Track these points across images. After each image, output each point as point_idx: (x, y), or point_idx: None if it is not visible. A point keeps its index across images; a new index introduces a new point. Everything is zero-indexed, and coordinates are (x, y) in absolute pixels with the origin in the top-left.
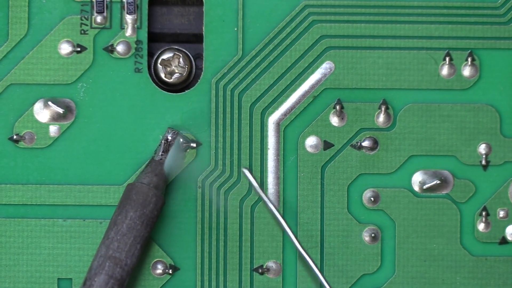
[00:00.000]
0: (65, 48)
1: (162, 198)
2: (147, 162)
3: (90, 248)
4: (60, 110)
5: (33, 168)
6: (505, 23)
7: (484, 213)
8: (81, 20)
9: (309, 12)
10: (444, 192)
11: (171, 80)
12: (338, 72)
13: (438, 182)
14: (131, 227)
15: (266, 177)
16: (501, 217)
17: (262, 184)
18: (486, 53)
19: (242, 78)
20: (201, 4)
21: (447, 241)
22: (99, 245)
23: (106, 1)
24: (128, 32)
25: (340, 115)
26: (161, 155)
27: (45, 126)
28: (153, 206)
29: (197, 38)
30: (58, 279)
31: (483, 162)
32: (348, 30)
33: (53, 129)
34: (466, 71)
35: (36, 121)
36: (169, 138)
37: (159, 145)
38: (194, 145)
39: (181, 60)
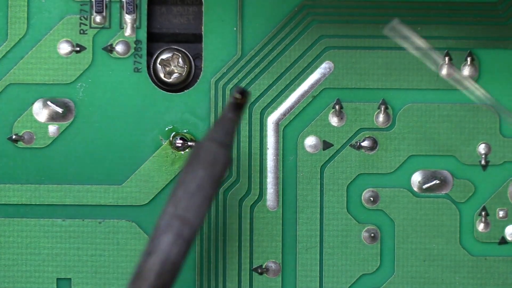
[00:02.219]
0: (64, 48)
1: (231, 158)
2: (218, 118)
3: (89, 248)
4: (59, 110)
5: (32, 168)
6: (504, 23)
7: (483, 213)
8: (80, 20)
9: (308, 12)
10: (443, 192)
11: (170, 80)
12: (337, 72)
13: (438, 182)
14: (200, 187)
15: (265, 177)
16: (501, 217)
17: (262, 183)
18: (485, 53)
19: (241, 78)
20: (201, 3)
21: (447, 241)
22: (166, 204)
23: (105, 1)
24: (127, 32)
25: (340, 115)
26: (233, 113)
27: (44, 126)
28: (221, 167)
29: (196, 38)
30: (57, 279)
31: (483, 162)
32: (348, 30)
33: (52, 129)
34: (466, 71)
35: (35, 121)
36: (238, 96)
37: (228, 104)
38: (193, 144)
39: (180, 60)
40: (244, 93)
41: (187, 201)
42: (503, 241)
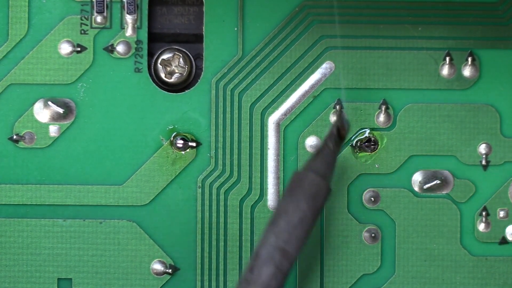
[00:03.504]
0: (65, 48)
1: (331, 191)
2: (317, 149)
3: (90, 248)
4: (60, 110)
5: (33, 168)
6: (505, 23)
7: (484, 213)
8: (81, 20)
9: (309, 12)
10: (444, 192)
11: (171, 80)
12: (338, 72)
13: (438, 182)
14: (302, 220)
15: (266, 177)
16: (501, 217)
17: (263, 184)
18: (486, 53)
19: (242, 78)
20: (201, 4)
21: (447, 241)
22: (266, 231)
23: (106, 1)
24: (128, 32)
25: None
26: (334, 145)
27: (45, 126)
28: (323, 200)
29: (197, 38)
30: (58, 279)
31: (483, 162)
32: (348, 30)
33: (53, 129)
34: (466, 71)
35: (36, 121)
36: (341, 129)
37: (329, 135)
38: (194, 144)
39: (181, 60)
40: (347, 125)
41: (289, 233)
42: (504, 241)
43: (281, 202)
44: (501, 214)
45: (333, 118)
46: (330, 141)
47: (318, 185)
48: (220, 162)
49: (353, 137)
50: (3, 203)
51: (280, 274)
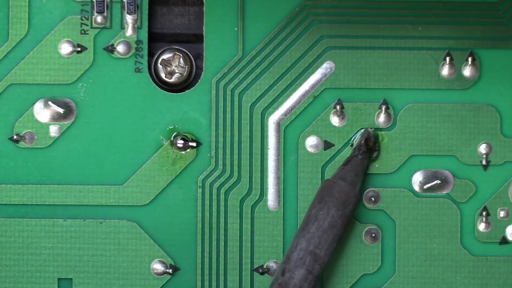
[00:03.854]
0: (65, 48)
1: (360, 199)
2: (346, 159)
3: (90, 248)
4: (61, 110)
5: (33, 168)
6: (505, 23)
7: (484, 213)
8: (82, 20)
9: (309, 12)
10: (444, 192)
11: (172, 80)
12: (338, 72)
13: (439, 182)
14: (332, 225)
15: (266, 177)
16: (502, 217)
17: (263, 184)
18: (486, 53)
19: (242, 78)
20: (202, 4)
21: (448, 241)
22: (297, 237)
23: (107, 1)
24: (129, 32)
25: (341, 115)
26: (363, 156)
27: (45, 126)
28: (352, 207)
29: (198, 38)
30: (59, 279)
31: (484, 162)
32: (348, 30)
33: (53, 129)
34: (467, 71)
35: (37, 121)
36: (368, 141)
37: (360, 143)
38: (194, 144)
39: (181, 60)
40: (373, 137)
41: (319, 238)
42: (504, 241)
43: (311, 209)
44: (501, 214)
45: (333, 118)
46: (358, 152)
47: (347, 192)
48: (220, 162)
49: (353, 137)
50: (3, 203)
51: (311, 277)
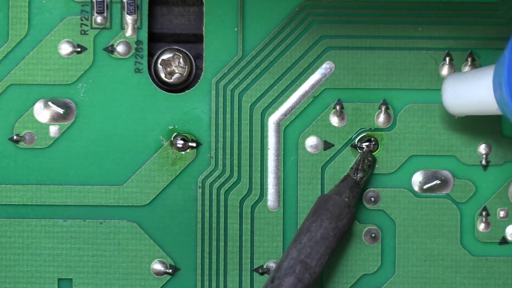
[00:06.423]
0: (65, 49)
1: (354, 216)
2: (343, 177)
3: (90, 248)
4: (61, 111)
5: (33, 169)
6: (505, 23)
7: (484, 213)
8: (81, 20)
9: (309, 12)
10: (444, 192)
11: (171, 80)
12: (338, 72)
13: (438, 182)
14: (324, 237)
15: (266, 177)
16: (501, 217)
17: (263, 184)
18: (486, 53)
19: (242, 78)
20: (201, 4)
21: (447, 241)
22: (289, 248)
23: (106, 2)
24: (128, 32)
25: (340, 115)
26: (359, 175)
27: (45, 126)
28: (346, 222)
29: (197, 38)
30: (59, 279)
31: (483, 162)
32: (348, 30)
33: (53, 130)
34: None
35: (36, 121)
36: (368, 159)
37: (357, 163)
38: (194, 144)
39: (181, 60)
40: (371, 157)
41: (311, 248)
42: (504, 241)
43: (304, 222)
44: (501, 214)
45: (333, 118)
46: (355, 169)
47: (341, 206)
48: (220, 162)
49: (353, 137)
50: (3, 203)
51: (301, 285)
